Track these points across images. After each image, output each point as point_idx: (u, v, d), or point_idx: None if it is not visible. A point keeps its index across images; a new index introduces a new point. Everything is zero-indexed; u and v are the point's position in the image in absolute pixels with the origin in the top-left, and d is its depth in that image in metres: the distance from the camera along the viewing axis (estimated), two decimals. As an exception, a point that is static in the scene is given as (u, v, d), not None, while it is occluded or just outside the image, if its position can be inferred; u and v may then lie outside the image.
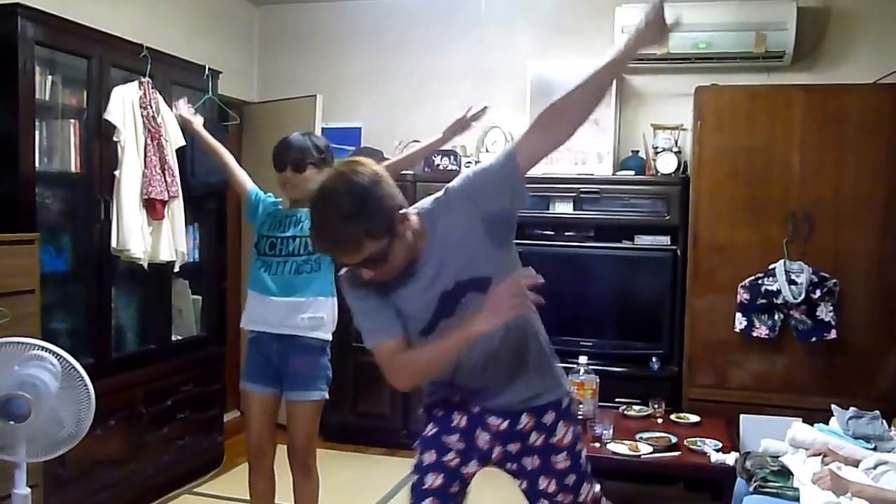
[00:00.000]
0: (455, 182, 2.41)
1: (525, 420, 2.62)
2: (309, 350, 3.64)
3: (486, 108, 3.68)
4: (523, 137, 2.35)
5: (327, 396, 3.74)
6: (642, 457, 4.13)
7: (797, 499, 3.41)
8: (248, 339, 3.76)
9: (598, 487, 2.78)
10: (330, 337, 3.73)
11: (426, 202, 2.45)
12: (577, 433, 2.72)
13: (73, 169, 4.32)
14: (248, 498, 3.92)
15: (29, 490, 3.18)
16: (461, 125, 3.68)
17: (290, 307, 3.62)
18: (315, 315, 3.64)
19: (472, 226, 2.34)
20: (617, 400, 4.98)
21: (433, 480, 2.67)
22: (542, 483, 2.66)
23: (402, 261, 2.33)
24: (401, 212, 2.29)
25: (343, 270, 2.47)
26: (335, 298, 3.71)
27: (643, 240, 5.49)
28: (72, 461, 3.98)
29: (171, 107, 4.51)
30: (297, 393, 3.65)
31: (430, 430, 2.72)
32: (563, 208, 5.56)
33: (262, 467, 3.78)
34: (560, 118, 2.32)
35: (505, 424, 2.63)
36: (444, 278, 2.39)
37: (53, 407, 3.08)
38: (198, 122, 4.25)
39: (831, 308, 4.86)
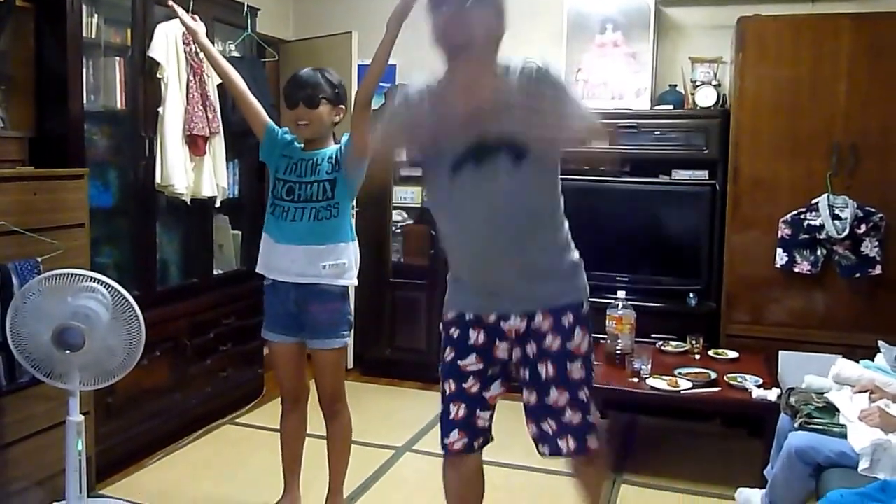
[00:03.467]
0: (543, 72, 2.48)
1: (540, 318, 2.62)
2: (329, 298, 3.52)
3: None
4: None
5: (349, 342, 3.66)
6: (682, 392, 4.13)
7: (844, 435, 3.35)
8: (266, 286, 3.64)
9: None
10: (355, 282, 3.63)
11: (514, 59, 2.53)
12: (592, 343, 2.71)
13: (118, 106, 4.34)
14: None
15: (82, 417, 3.28)
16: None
17: (310, 255, 3.48)
18: (337, 262, 3.50)
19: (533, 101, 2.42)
20: (654, 336, 4.94)
21: (456, 411, 2.74)
22: (554, 395, 2.64)
23: (487, 33, 2.49)
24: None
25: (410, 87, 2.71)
26: (356, 243, 3.62)
27: (681, 174, 5.43)
28: (120, 391, 4.07)
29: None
30: (319, 342, 3.56)
31: (448, 354, 2.76)
32: (600, 143, 5.50)
33: (296, 410, 3.76)
34: None
35: (522, 324, 2.64)
36: (481, 126, 2.49)
37: (105, 337, 3.15)
38: (201, 30, 3.97)
39: (877, 243, 4.80)
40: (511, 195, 2.53)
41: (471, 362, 2.71)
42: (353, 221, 3.65)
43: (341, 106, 3.57)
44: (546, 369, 2.63)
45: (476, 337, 2.70)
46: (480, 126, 2.49)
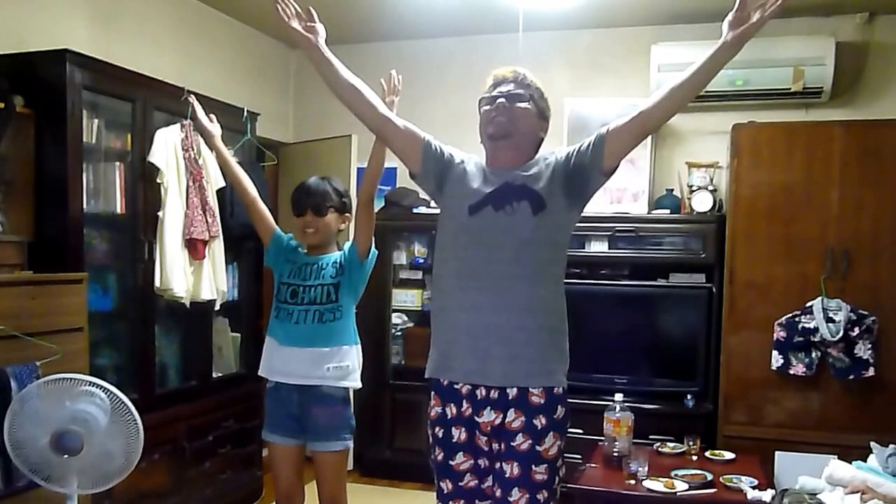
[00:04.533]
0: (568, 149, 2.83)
1: (513, 416, 2.69)
2: (331, 401, 3.58)
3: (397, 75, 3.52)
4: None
5: (351, 445, 3.67)
6: (678, 494, 4.10)
7: None
8: (268, 388, 3.69)
9: None
10: (358, 385, 3.69)
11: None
12: (562, 448, 2.75)
13: (118, 210, 4.41)
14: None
15: None
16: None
17: (313, 357, 3.55)
18: (341, 364, 3.57)
19: (556, 168, 2.77)
20: (652, 437, 4.96)
21: None
22: (515, 496, 2.69)
23: (526, 130, 2.84)
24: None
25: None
26: (359, 346, 3.68)
27: (678, 278, 5.50)
28: (118, 494, 4.02)
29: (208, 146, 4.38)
30: (320, 444, 3.59)
31: (438, 454, 2.85)
32: (599, 247, 5.59)
33: None
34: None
35: (497, 420, 2.71)
36: (507, 176, 2.77)
37: (103, 441, 3.14)
38: (217, 132, 4.12)
39: (870, 345, 4.84)
40: (525, 242, 2.70)
41: (461, 461, 2.79)
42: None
43: (347, 214, 3.68)
44: (511, 469, 2.70)
45: (458, 434, 2.78)
46: (507, 176, 2.77)
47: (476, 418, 2.75)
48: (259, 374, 3.72)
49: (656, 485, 4.17)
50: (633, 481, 4.24)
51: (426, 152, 2.90)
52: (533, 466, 2.68)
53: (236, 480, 5.24)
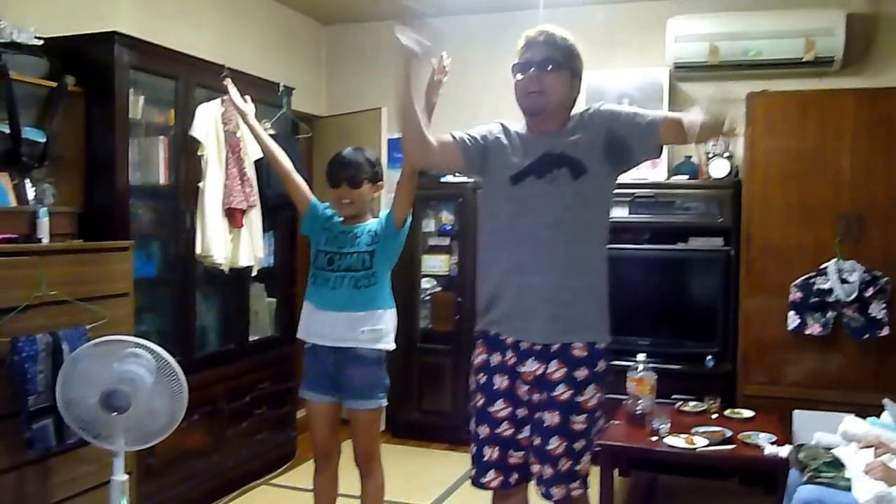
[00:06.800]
0: (608, 107, 2.91)
1: (554, 367, 2.82)
2: (365, 362, 3.64)
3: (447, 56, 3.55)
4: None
5: (385, 404, 3.74)
6: (698, 450, 4.19)
7: (849, 489, 3.44)
8: (305, 349, 3.77)
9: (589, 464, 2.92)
10: (391, 346, 3.75)
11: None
12: (602, 400, 2.86)
13: (161, 182, 4.55)
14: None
15: (126, 477, 3.36)
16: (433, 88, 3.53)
17: (349, 320, 3.62)
18: (375, 327, 3.65)
19: (596, 130, 2.84)
20: (673, 396, 5.04)
21: (491, 453, 2.93)
22: (553, 443, 2.80)
23: (560, 98, 2.90)
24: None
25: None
26: (394, 309, 3.76)
27: (697, 241, 5.59)
28: (161, 452, 4.21)
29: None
30: (356, 402, 3.67)
31: (479, 400, 2.96)
32: (620, 212, 5.60)
33: (328, 469, 3.82)
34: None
35: (539, 370, 2.83)
36: (544, 146, 2.86)
37: (149, 400, 3.24)
38: (250, 111, 4.14)
39: (884, 305, 4.91)
40: (568, 206, 2.81)
41: (500, 408, 2.91)
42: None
43: (380, 183, 3.78)
44: (552, 417, 2.80)
45: (500, 382, 2.91)
46: (546, 146, 2.86)
47: (518, 368, 2.87)
48: (297, 336, 3.82)
49: (677, 441, 4.26)
50: (655, 438, 4.35)
51: (465, 150, 2.99)
52: (572, 416, 2.79)
53: (271, 441, 5.42)
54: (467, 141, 3.00)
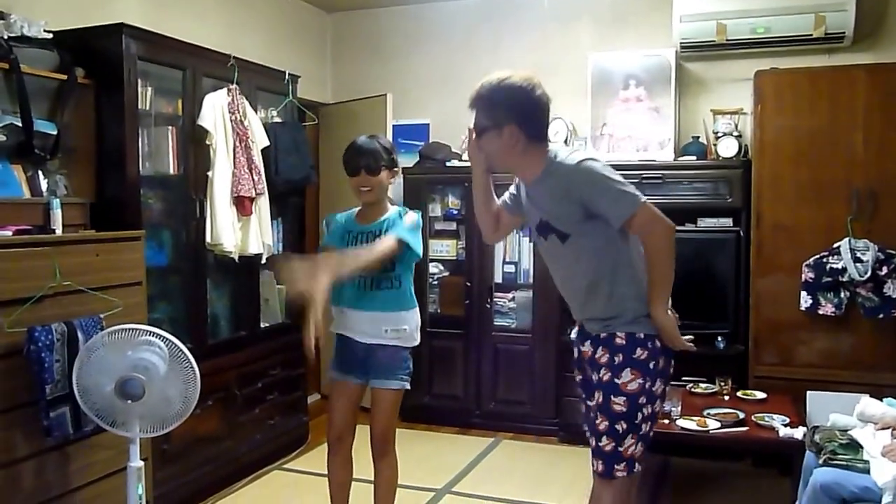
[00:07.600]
0: (581, 173, 2.93)
1: (601, 352, 3.01)
2: (392, 349, 3.73)
3: None
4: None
5: (407, 387, 3.81)
6: (711, 432, 4.19)
7: (867, 471, 3.40)
8: (336, 335, 3.84)
9: (640, 451, 2.99)
10: (415, 344, 3.83)
11: (561, 150, 3.05)
12: (644, 386, 2.93)
13: (171, 171, 4.59)
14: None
15: (142, 463, 3.41)
16: None
17: (372, 319, 3.70)
18: (398, 327, 3.72)
19: (569, 203, 2.94)
20: (684, 378, 5.00)
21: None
22: (598, 420, 3.00)
23: (519, 162, 3.03)
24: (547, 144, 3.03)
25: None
26: (416, 309, 3.84)
27: (706, 222, 5.57)
28: (175, 438, 4.27)
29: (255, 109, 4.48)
30: (380, 381, 3.73)
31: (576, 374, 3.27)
32: (627, 194, 5.65)
33: (341, 452, 3.86)
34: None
35: (590, 352, 3.07)
36: (539, 210, 3.07)
37: (163, 387, 3.29)
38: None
39: (899, 284, 4.87)
40: (567, 264, 3.09)
41: (576, 374, 3.27)
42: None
43: (396, 169, 3.82)
44: (597, 396, 3.02)
45: (576, 353, 3.25)
46: (539, 210, 3.08)
47: (580, 347, 3.15)
48: (330, 330, 3.82)
49: (689, 423, 4.27)
50: (666, 420, 4.34)
51: (516, 208, 3.27)
52: (612, 397, 2.95)
53: (283, 426, 5.47)
54: (509, 202, 3.31)
